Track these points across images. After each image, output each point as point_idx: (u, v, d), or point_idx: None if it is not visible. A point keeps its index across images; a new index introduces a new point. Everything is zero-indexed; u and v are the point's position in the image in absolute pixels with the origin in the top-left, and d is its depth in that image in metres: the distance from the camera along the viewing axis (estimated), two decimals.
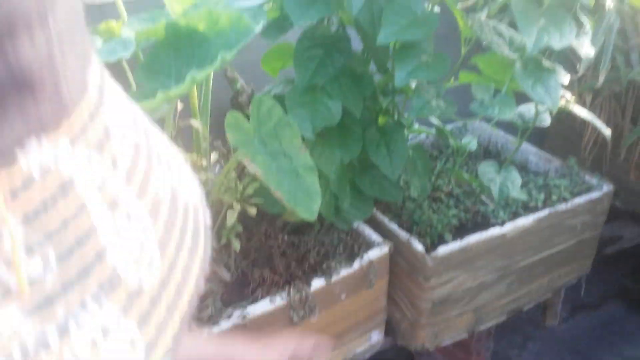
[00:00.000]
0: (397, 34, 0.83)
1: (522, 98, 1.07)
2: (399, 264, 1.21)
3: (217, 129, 1.25)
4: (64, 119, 0.16)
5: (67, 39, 0.17)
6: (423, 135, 1.59)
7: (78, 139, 0.17)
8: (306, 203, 0.86)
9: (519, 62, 0.85)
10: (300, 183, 0.88)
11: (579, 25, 1.00)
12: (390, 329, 1.28)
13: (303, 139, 0.92)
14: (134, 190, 0.18)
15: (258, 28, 0.74)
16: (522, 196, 1.11)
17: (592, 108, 1.63)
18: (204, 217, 0.21)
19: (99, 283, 0.16)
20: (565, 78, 1.00)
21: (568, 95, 1.06)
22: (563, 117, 1.85)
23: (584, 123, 1.71)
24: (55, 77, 0.16)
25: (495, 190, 1.00)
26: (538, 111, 1.05)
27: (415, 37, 0.83)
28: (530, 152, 1.58)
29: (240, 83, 1.27)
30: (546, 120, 1.07)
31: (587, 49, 0.93)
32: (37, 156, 0.15)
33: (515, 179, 1.02)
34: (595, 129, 1.67)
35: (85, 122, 0.17)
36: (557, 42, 0.76)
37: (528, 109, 1.11)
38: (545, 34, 0.78)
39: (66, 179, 0.16)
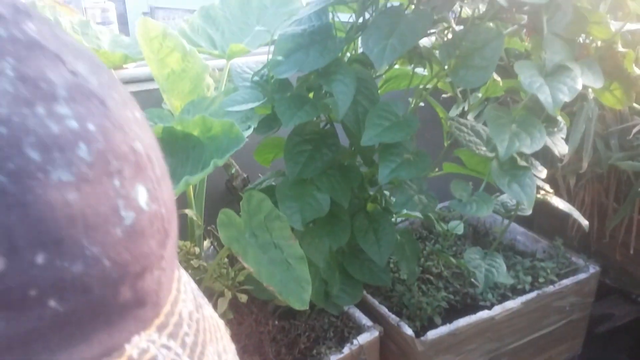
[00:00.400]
0: (380, 136, 0.90)
1: None
2: (390, 348, 1.22)
3: (212, 212, 1.31)
4: (157, 316, 0.21)
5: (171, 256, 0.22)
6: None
7: (164, 327, 0.21)
8: (297, 293, 0.90)
9: (495, 162, 0.91)
10: (291, 273, 0.92)
11: (553, 123, 1.07)
12: None
13: (292, 229, 0.97)
14: None
15: (248, 132, 0.80)
16: (508, 281, 1.14)
17: (576, 189, 1.69)
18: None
19: None
20: (542, 173, 1.06)
21: (547, 187, 1.12)
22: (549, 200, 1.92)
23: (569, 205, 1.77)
24: (164, 289, 0.22)
25: (480, 277, 1.03)
26: (519, 202, 1.10)
27: (397, 139, 0.90)
28: (518, 232, 1.63)
29: (235, 168, 1.33)
30: (527, 210, 1.12)
31: (561, 148, 0.99)
32: (137, 344, 0.20)
33: (500, 265, 1.06)
34: (580, 210, 1.72)
35: (168, 312, 0.22)
36: (528, 148, 0.82)
37: (510, 198, 1.16)
38: (517, 140, 0.84)
39: (154, 358, 0.20)
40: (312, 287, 1.07)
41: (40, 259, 0.16)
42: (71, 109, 0.17)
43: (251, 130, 0.83)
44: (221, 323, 0.29)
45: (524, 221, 1.69)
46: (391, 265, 1.41)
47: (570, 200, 1.76)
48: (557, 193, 1.76)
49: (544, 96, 0.80)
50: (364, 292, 1.28)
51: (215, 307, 1.02)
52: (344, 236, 1.10)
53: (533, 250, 1.56)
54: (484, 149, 0.93)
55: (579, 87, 0.82)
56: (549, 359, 1.44)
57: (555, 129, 1.06)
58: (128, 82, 1.24)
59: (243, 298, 1.03)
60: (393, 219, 1.30)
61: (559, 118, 1.08)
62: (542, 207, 1.90)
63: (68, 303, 0.17)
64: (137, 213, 0.19)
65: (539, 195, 1.07)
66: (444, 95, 1.33)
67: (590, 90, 1.52)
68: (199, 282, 1.06)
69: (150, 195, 0.20)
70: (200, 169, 0.75)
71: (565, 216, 1.81)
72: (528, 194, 0.88)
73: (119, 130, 0.19)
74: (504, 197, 1.18)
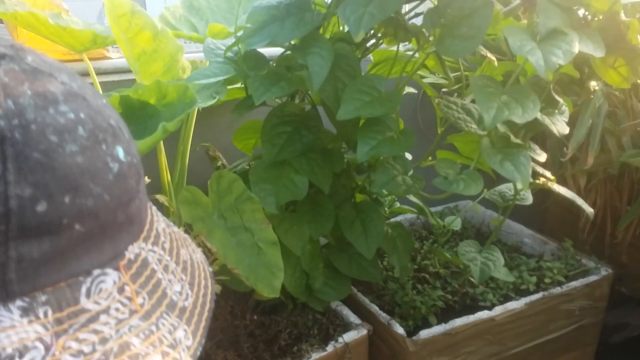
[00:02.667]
0: (358, 110, 0.83)
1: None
2: (381, 349, 1.14)
3: None
4: (142, 231, 0.32)
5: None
6: (413, 216, 1.56)
7: (148, 238, 0.33)
8: (267, 279, 0.83)
9: (486, 139, 0.84)
10: (262, 258, 0.85)
11: (554, 104, 0.99)
12: None
13: (268, 214, 0.90)
14: (174, 260, 0.34)
15: (212, 102, 0.74)
16: (508, 278, 1.05)
17: (586, 191, 1.59)
18: (207, 268, 0.38)
19: (166, 308, 0.31)
20: (541, 157, 0.98)
21: (548, 174, 1.03)
22: (560, 200, 1.81)
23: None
24: (143, 212, 0.33)
25: (475, 271, 0.95)
26: (518, 190, 1.02)
27: (377, 113, 0.83)
28: (525, 234, 1.54)
29: (222, 162, 1.27)
30: (528, 199, 1.04)
31: (560, 127, 0.91)
32: (132, 250, 0.31)
33: (497, 259, 0.98)
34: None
35: (149, 228, 0.33)
36: (519, 117, 0.75)
37: (508, 188, 1.08)
38: (506, 109, 0.76)
39: (145, 259, 0.31)
40: (292, 279, 1.00)
41: (67, 199, 0.25)
42: (68, 106, 0.27)
43: (216, 99, 0.77)
44: (188, 236, 0.40)
45: (535, 225, 1.60)
46: (385, 263, 1.33)
47: None
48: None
49: (535, 59, 0.72)
50: (354, 290, 1.20)
51: None
52: (327, 225, 1.03)
53: (540, 253, 1.46)
54: (474, 126, 0.86)
55: (576, 50, 0.75)
56: None
57: (556, 111, 0.98)
58: (112, 72, 1.20)
59: (217, 289, 0.96)
60: (386, 214, 1.22)
61: (560, 100, 1.00)
62: (553, 209, 1.80)
63: (86, 226, 0.26)
64: (120, 164, 0.29)
65: (538, 182, 0.99)
66: (443, 90, 1.26)
67: (596, 83, 1.44)
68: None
69: (126, 151, 0.30)
70: (148, 135, 0.69)
71: (575, 220, 1.71)
72: (522, 172, 0.80)
73: (98, 114, 0.29)
74: (502, 187, 1.10)
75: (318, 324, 1.10)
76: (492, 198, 1.05)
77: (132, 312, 0.28)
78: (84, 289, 0.27)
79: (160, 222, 0.36)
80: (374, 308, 1.16)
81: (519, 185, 0.81)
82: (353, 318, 1.12)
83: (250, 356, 0.99)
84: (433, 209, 1.65)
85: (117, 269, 0.29)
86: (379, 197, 1.13)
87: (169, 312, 0.31)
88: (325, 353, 1.03)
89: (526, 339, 1.23)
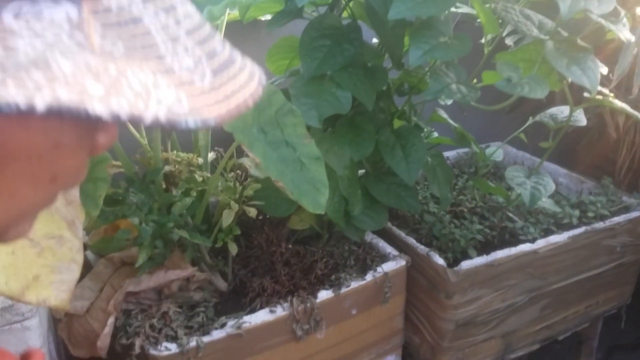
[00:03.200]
0: (411, 10, 0.76)
1: None
2: (418, 282, 1.09)
3: (220, 138, 1.19)
4: None
5: None
6: (446, 154, 1.50)
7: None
8: (312, 195, 0.77)
9: (550, 42, 0.77)
10: (305, 174, 0.79)
11: (616, 14, 0.92)
12: (409, 356, 1.15)
13: (308, 129, 0.84)
14: (185, 29, 0.26)
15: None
16: (555, 208, 0.99)
17: (624, 129, 1.52)
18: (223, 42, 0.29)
19: (157, 70, 0.24)
20: (602, 69, 0.90)
21: (605, 90, 0.96)
22: (594, 140, 1.74)
23: (617, 145, 1.60)
24: None
25: (526, 195, 0.89)
26: (572, 110, 0.95)
27: (430, 12, 0.76)
28: (560, 173, 1.47)
29: None
30: (581, 120, 0.97)
31: (627, 34, 0.83)
32: None
33: (547, 183, 0.91)
34: (630, 151, 1.55)
35: None
36: (596, 8, 0.67)
37: (560, 111, 1.01)
38: None
39: (136, 15, 0.24)
40: (331, 204, 0.94)
41: None
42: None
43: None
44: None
45: (566, 164, 1.53)
46: (420, 198, 1.27)
47: (618, 141, 1.59)
48: (604, 131, 1.60)
49: None
50: (389, 225, 1.15)
51: (220, 220, 0.90)
52: (367, 147, 0.97)
53: (578, 192, 1.40)
54: (535, 30, 0.78)
55: None
56: (594, 305, 1.29)
57: (619, 20, 0.90)
58: None
59: (252, 212, 0.91)
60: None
61: (622, 10, 0.92)
62: (586, 150, 1.73)
63: None
64: None
65: (599, 97, 0.91)
66: None
67: None
68: (202, 195, 0.94)
69: None
70: None
71: (610, 162, 1.64)
72: (591, 77, 0.73)
73: None
74: (553, 110, 1.03)
75: (354, 255, 1.05)
76: (544, 120, 0.98)
77: (81, 45, 0.22)
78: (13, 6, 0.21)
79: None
80: (411, 240, 1.10)
81: (589, 88, 0.74)
82: (390, 249, 1.07)
83: (287, 283, 0.94)
84: (461, 151, 1.59)
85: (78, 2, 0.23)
86: (418, 122, 1.06)
87: (159, 72, 0.24)
88: (364, 282, 0.99)
89: (567, 275, 1.18)
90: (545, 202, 1.00)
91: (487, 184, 1.06)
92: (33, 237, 0.57)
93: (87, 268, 0.93)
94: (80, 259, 0.62)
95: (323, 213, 0.78)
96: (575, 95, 1.02)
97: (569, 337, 1.90)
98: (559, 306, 1.21)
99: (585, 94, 0.86)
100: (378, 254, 1.07)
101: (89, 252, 0.99)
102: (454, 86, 0.80)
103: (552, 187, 0.93)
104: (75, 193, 0.64)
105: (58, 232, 0.61)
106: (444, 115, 1.09)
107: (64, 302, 0.58)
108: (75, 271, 0.60)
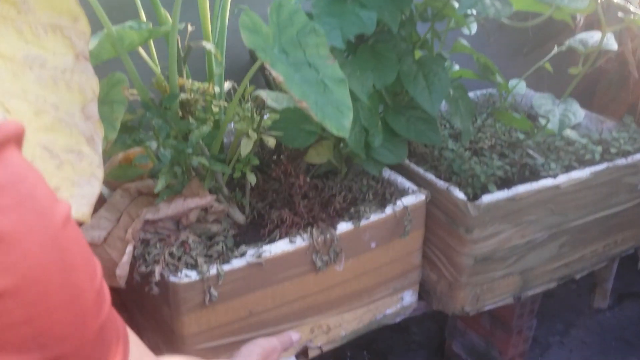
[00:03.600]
0: None
1: None
2: (437, 217, 1.07)
3: (234, 70, 1.15)
4: None
5: None
6: None
7: None
8: (336, 117, 0.74)
9: None
10: (328, 96, 0.75)
11: None
12: (425, 293, 1.15)
13: (331, 51, 0.80)
14: None
15: None
16: (579, 138, 0.96)
17: None
18: None
19: None
20: None
21: (632, 7, 0.91)
22: (615, 82, 1.69)
23: (638, 86, 1.55)
24: None
25: (554, 122, 0.86)
26: (605, 34, 0.90)
27: None
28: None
29: None
30: (612, 45, 0.93)
31: None
32: None
33: (577, 110, 0.88)
34: None
35: None
36: None
37: (591, 36, 0.97)
38: None
39: None
40: (352, 134, 0.91)
41: None
42: None
43: None
44: None
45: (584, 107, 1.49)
46: None
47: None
48: (625, 70, 1.55)
49: None
50: (407, 162, 1.12)
51: (237, 151, 0.87)
52: (390, 75, 0.93)
53: (599, 131, 1.36)
54: None
55: None
56: (612, 244, 1.27)
57: None
58: None
59: (271, 142, 0.88)
60: None
61: None
62: (604, 90, 1.69)
63: None
64: None
65: (630, 17, 0.87)
66: None
67: None
68: (218, 124, 0.91)
69: None
70: None
71: (633, 98, 1.60)
72: None
73: None
74: (583, 35, 0.99)
75: (373, 190, 1.03)
76: (573, 45, 0.94)
77: None
78: None
79: None
80: (430, 176, 1.08)
81: None
82: (409, 184, 1.05)
83: (306, 216, 0.92)
84: (478, 92, 1.55)
85: None
86: (442, 53, 1.02)
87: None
88: (384, 215, 0.97)
89: (587, 212, 1.16)
90: (571, 133, 0.96)
91: (510, 115, 1.02)
92: (52, 149, 0.55)
93: (101, 202, 0.91)
94: (100, 174, 0.59)
95: (347, 137, 0.75)
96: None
97: (584, 278, 1.91)
98: (577, 244, 1.19)
99: (620, 14, 0.82)
100: (397, 189, 1.04)
101: (103, 187, 0.97)
102: (487, 0, 0.76)
103: (580, 114, 0.89)
104: (93, 109, 0.61)
105: (77, 147, 0.58)
106: (467, 44, 1.05)
107: (85, 216, 0.56)
108: (96, 186, 0.58)
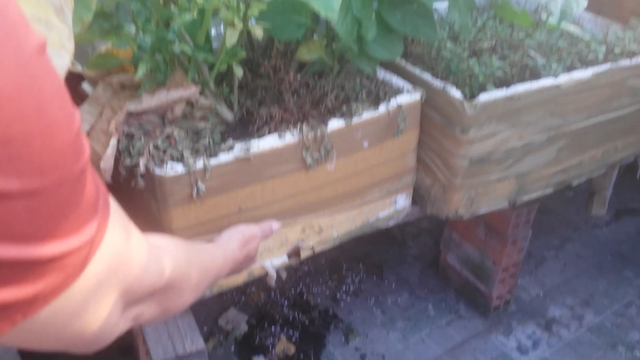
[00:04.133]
0: None
1: None
2: (432, 119, 1.04)
3: None
4: None
5: None
6: None
7: None
8: None
9: None
10: None
11: None
12: (419, 198, 1.14)
13: None
14: None
15: None
16: (581, 33, 0.92)
17: None
18: None
19: None
20: None
21: None
22: None
23: None
24: None
25: (556, 10, 0.81)
26: None
27: None
28: (585, 18, 1.37)
29: None
30: None
31: None
32: None
33: (579, 1, 0.83)
34: None
35: None
36: None
37: None
38: None
39: None
40: (343, 25, 0.87)
41: None
42: None
43: None
44: None
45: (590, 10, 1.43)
46: None
47: None
48: None
49: None
50: (402, 62, 1.08)
51: (222, 42, 0.83)
52: None
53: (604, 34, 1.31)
54: None
55: None
56: (612, 150, 1.25)
57: None
58: None
59: (258, 33, 0.84)
60: None
61: None
62: None
63: None
64: None
65: None
66: None
67: None
68: (203, 15, 0.86)
69: None
70: None
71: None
72: None
73: None
74: None
75: (366, 89, 1.00)
76: None
77: None
78: None
79: None
80: (426, 76, 1.04)
81: None
82: (403, 84, 1.01)
83: (296, 113, 0.89)
84: None
85: None
86: None
87: None
88: (377, 114, 0.94)
89: (588, 115, 1.13)
90: (573, 29, 0.92)
91: (510, 9, 0.97)
92: None
93: (83, 97, 0.88)
94: (70, 46, 0.56)
95: (335, 20, 0.71)
96: None
97: (582, 187, 1.91)
98: (575, 149, 1.17)
99: None
100: (391, 89, 1.01)
101: (85, 84, 0.94)
102: None
103: (583, 3, 0.84)
104: None
105: (45, 17, 0.55)
106: None
107: None
108: (66, 58, 0.55)
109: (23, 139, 0.26)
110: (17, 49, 0.27)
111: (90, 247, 0.30)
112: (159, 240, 0.46)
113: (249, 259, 0.71)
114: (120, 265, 0.34)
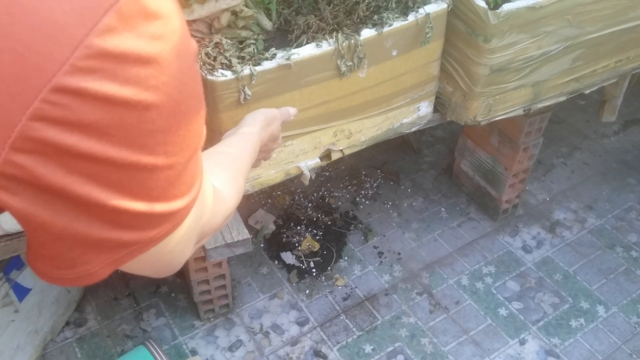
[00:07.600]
0: None
1: None
2: (456, 28, 1.10)
3: None
4: None
5: None
6: None
7: None
8: None
9: None
10: None
11: None
12: (440, 106, 1.21)
13: None
14: None
15: None
16: None
17: None
18: None
19: None
20: None
21: None
22: None
23: None
24: None
25: None
26: None
27: None
28: None
29: None
30: None
31: None
32: None
33: None
34: None
35: None
36: None
37: None
38: None
39: None
40: None
41: None
42: None
43: None
44: None
45: None
46: None
47: None
48: None
49: None
50: None
51: None
52: None
53: None
54: None
55: None
56: (625, 60, 1.30)
57: None
58: None
59: None
60: None
61: None
62: None
63: None
64: None
65: None
66: None
67: None
68: None
69: None
70: None
71: None
72: None
73: None
74: None
75: None
76: None
77: None
78: None
79: None
80: None
81: None
82: None
83: (331, 22, 0.95)
84: None
85: None
86: None
87: None
88: (406, 23, 1.00)
89: (604, 25, 1.18)
90: None
91: None
92: None
93: None
94: None
95: None
96: None
97: (593, 97, 1.97)
98: (590, 58, 1.23)
99: None
100: None
101: None
102: None
103: None
104: None
105: None
106: None
107: None
108: None
109: (176, 129, 0.33)
110: (188, 57, 0.33)
111: (190, 205, 0.38)
112: (216, 171, 0.53)
113: (273, 139, 0.74)
114: (200, 214, 0.42)
